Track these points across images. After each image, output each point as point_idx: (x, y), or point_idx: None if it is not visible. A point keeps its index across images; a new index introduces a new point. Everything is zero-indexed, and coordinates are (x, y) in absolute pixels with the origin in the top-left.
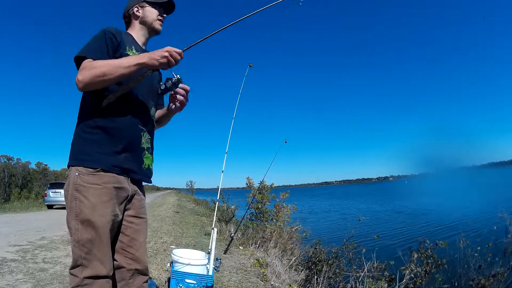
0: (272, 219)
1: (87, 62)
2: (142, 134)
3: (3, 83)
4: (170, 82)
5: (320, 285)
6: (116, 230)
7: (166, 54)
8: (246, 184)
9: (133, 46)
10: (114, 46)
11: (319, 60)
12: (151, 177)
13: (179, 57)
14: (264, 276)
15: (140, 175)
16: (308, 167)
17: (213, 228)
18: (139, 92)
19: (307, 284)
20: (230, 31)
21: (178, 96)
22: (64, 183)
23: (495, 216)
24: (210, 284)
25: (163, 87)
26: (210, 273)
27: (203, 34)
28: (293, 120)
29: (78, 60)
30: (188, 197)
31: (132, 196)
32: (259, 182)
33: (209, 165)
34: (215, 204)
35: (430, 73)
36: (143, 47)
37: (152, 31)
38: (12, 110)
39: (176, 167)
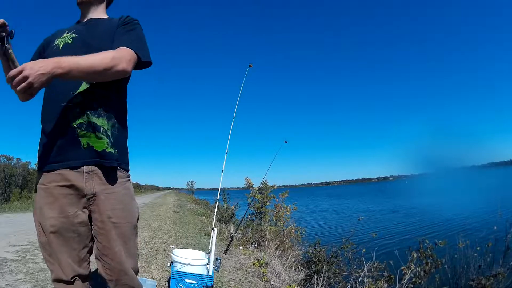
0: (272, 219)
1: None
2: (66, 111)
3: (3, 83)
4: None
5: (320, 285)
6: (84, 233)
7: None
8: (245, 184)
9: (62, 35)
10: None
11: (319, 60)
12: (104, 159)
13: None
14: (264, 276)
15: (78, 160)
16: (308, 167)
17: (213, 228)
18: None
19: (307, 284)
20: (230, 31)
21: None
22: None
23: (495, 216)
24: (210, 284)
25: None
26: (210, 273)
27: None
28: (293, 120)
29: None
30: (188, 197)
31: (93, 195)
32: (262, 182)
33: (209, 165)
34: (216, 203)
35: (431, 73)
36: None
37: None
38: (12, 110)
39: (176, 167)
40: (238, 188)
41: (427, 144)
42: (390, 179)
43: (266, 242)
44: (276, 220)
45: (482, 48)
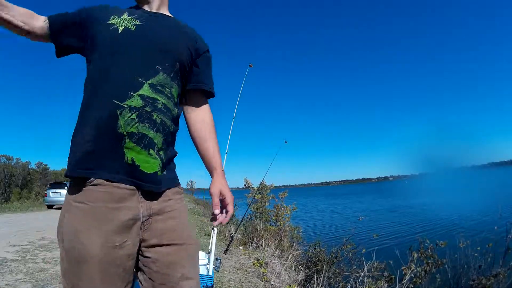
0: (272, 219)
1: None
2: (118, 112)
3: (3, 83)
4: None
5: (320, 285)
6: (129, 268)
7: None
8: (244, 184)
9: (123, 15)
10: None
11: (319, 60)
12: (151, 183)
13: None
14: (264, 276)
15: (118, 175)
16: (308, 167)
17: (213, 228)
18: (117, 49)
19: (307, 284)
20: (230, 30)
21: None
22: (64, 183)
23: (496, 216)
24: (210, 284)
25: None
26: (210, 273)
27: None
28: (293, 120)
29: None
30: (188, 197)
31: (149, 216)
32: (260, 183)
33: None
34: None
35: (431, 73)
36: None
37: None
38: (12, 110)
39: (176, 167)
40: (238, 188)
41: (427, 144)
42: (390, 179)
43: (266, 241)
44: (276, 220)
45: (482, 48)
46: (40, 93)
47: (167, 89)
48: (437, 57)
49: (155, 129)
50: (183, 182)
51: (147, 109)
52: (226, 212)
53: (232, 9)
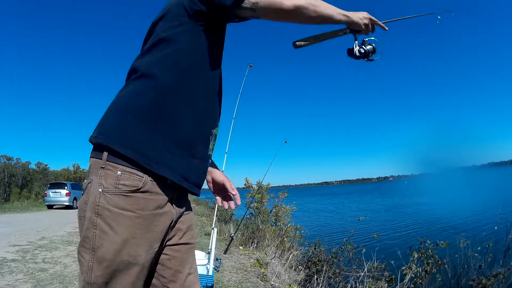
0: (271, 219)
1: None
2: (211, 137)
3: (3, 83)
4: (371, 50)
5: (320, 285)
6: (150, 267)
7: (369, 17)
8: (245, 184)
9: None
10: None
11: (319, 60)
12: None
13: (376, 27)
14: (264, 276)
15: (198, 190)
16: (308, 167)
17: (213, 228)
18: (217, 80)
19: (307, 284)
20: (230, 30)
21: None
22: (64, 183)
23: (496, 216)
24: (210, 284)
25: (362, 50)
26: (210, 273)
27: None
28: (293, 120)
29: None
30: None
31: (178, 218)
32: (256, 183)
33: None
34: (215, 204)
35: (431, 73)
36: None
37: None
38: (12, 110)
39: None
40: (238, 188)
41: (427, 144)
42: (390, 179)
43: (266, 241)
44: (276, 220)
45: (482, 47)
46: (40, 93)
47: None
48: (438, 57)
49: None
50: None
51: (216, 137)
52: (233, 195)
53: None
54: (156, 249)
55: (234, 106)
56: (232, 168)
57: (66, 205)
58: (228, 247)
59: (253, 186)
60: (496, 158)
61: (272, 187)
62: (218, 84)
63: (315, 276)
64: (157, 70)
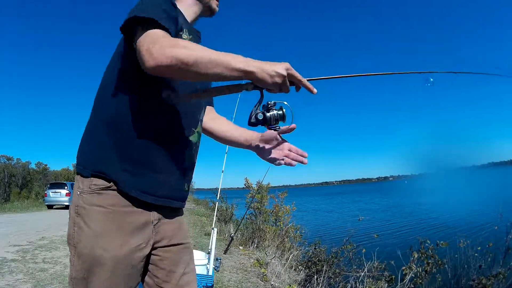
0: (271, 219)
1: (166, 35)
2: (188, 145)
3: (3, 83)
4: (275, 116)
5: (320, 285)
6: (140, 269)
7: (284, 73)
8: (245, 184)
9: (187, 31)
10: (175, 23)
11: (319, 60)
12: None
13: (299, 86)
14: (264, 276)
15: (178, 202)
16: (307, 167)
17: (213, 228)
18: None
19: (307, 284)
20: (230, 30)
21: (288, 151)
22: (64, 183)
23: (496, 216)
24: (210, 284)
25: (260, 116)
26: (210, 273)
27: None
28: (293, 120)
29: (140, 24)
30: (188, 197)
31: (158, 220)
32: (256, 183)
33: (209, 165)
34: (215, 204)
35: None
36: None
37: (206, 11)
38: (12, 110)
39: None
40: (238, 188)
41: (427, 144)
42: (390, 179)
43: (266, 241)
44: (276, 220)
45: (482, 47)
46: (41, 94)
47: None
48: (438, 56)
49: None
50: None
51: (197, 144)
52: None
53: (232, 8)
54: (134, 247)
55: (234, 106)
56: (232, 168)
57: (66, 205)
58: (228, 247)
59: (253, 186)
60: (496, 158)
61: (272, 187)
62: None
63: (315, 276)
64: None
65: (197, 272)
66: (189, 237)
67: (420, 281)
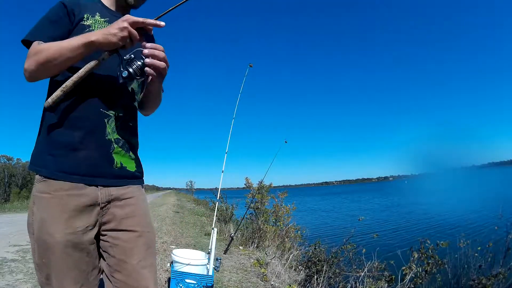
0: (271, 219)
1: (34, 47)
2: (106, 120)
3: (3, 83)
4: (139, 67)
5: (320, 285)
6: (93, 252)
7: (126, 24)
8: (245, 184)
9: (97, 13)
10: (71, 18)
11: (319, 60)
12: (131, 179)
13: (145, 28)
14: (264, 276)
15: (108, 179)
16: (308, 167)
17: (213, 228)
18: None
19: (307, 284)
20: (230, 31)
21: (150, 62)
22: None
23: (496, 216)
24: (210, 284)
25: (125, 74)
26: (210, 273)
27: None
28: (294, 120)
29: (27, 45)
30: (188, 197)
31: (108, 202)
32: (258, 182)
33: (209, 165)
34: (215, 204)
35: (430, 73)
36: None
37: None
38: (12, 110)
39: (176, 167)
40: (238, 188)
41: (427, 144)
42: (390, 179)
43: (266, 242)
44: (276, 220)
45: (482, 48)
46: (41, 94)
47: (138, 95)
48: (438, 56)
49: (133, 134)
50: (183, 182)
51: (127, 117)
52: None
53: (232, 9)
54: (81, 230)
55: (234, 106)
56: (232, 168)
57: None
58: (228, 247)
59: (253, 186)
60: (496, 158)
61: (272, 187)
62: (94, 77)
63: (315, 276)
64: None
65: (197, 272)
66: (150, 226)
67: (420, 281)
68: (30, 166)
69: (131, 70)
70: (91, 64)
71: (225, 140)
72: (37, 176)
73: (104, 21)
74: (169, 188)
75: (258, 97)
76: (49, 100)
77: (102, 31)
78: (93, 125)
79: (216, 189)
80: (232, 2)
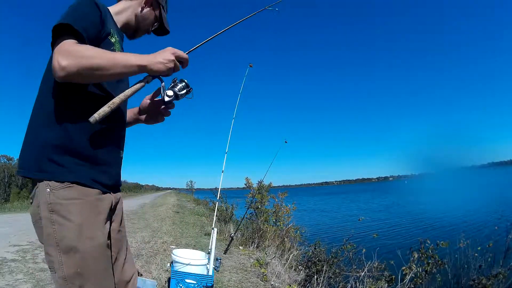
0: (272, 219)
1: (72, 43)
2: (122, 139)
3: (3, 83)
4: (182, 88)
5: (320, 285)
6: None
7: (173, 57)
8: (245, 184)
9: (115, 33)
10: (102, 27)
11: (319, 59)
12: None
13: (186, 62)
14: (264, 276)
15: (118, 190)
16: (308, 167)
17: (213, 228)
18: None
19: (307, 284)
20: (230, 31)
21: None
22: None
23: (496, 216)
24: (210, 284)
25: (170, 93)
26: (210, 273)
27: (199, 36)
28: (294, 120)
29: (60, 32)
30: (188, 197)
31: (115, 205)
32: (258, 182)
33: (209, 165)
34: (215, 204)
35: (431, 73)
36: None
37: (136, 30)
38: (12, 110)
39: (176, 168)
40: (238, 188)
41: (427, 144)
42: (390, 179)
43: (266, 242)
44: (276, 220)
45: (483, 48)
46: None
47: None
48: (438, 56)
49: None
50: (183, 182)
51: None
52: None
53: (232, 8)
54: (108, 230)
55: (234, 106)
56: (232, 168)
57: None
58: (228, 247)
59: (253, 186)
60: (496, 158)
61: (272, 187)
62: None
63: (315, 276)
64: None
65: (197, 272)
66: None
67: (420, 281)
68: (44, 175)
69: (176, 90)
70: (138, 86)
71: (225, 140)
72: (52, 183)
73: (119, 42)
74: (169, 188)
75: (258, 97)
76: (96, 115)
77: (151, 59)
78: (119, 146)
79: (216, 189)
80: (233, 2)
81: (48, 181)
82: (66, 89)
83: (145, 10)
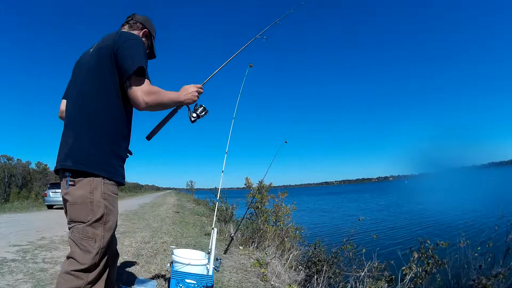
0: (271, 219)
1: (149, 84)
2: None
3: (3, 83)
4: (202, 111)
5: (320, 285)
6: None
7: (196, 93)
8: (245, 184)
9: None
10: None
11: (319, 59)
12: None
13: (201, 93)
14: (264, 276)
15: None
16: (308, 167)
17: (213, 228)
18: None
19: (307, 284)
20: (230, 31)
21: None
22: None
23: (496, 216)
24: (210, 284)
25: (194, 116)
26: (210, 273)
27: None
28: (294, 120)
29: (139, 72)
30: (188, 197)
31: None
32: (258, 182)
33: (209, 165)
34: (215, 204)
35: (430, 73)
36: None
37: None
38: (12, 110)
39: (176, 168)
40: (238, 188)
41: (427, 144)
42: (390, 179)
43: (266, 242)
44: (276, 220)
45: (483, 47)
46: (41, 94)
47: None
48: (438, 56)
49: None
50: (183, 182)
51: None
52: None
53: (232, 9)
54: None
55: (234, 106)
56: (232, 168)
57: None
58: (228, 247)
59: (253, 186)
60: (496, 158)
61: (272, 187)
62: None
63: (315, 276)
64: None
65: (197, 272)
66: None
67: (420, 281)
68: (97, 170)
69: (198, 112)
70: (174, 113)
71: (225, 140)
72: (105, 179)
73: None
74: (169, 188)
75: (258, 97)
76: (151, 134)
77: (186, 95)
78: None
79: (216, 189)
80: (232, 2)
81: (105, 177)
82: (122, 108)
83: (142, 40)
